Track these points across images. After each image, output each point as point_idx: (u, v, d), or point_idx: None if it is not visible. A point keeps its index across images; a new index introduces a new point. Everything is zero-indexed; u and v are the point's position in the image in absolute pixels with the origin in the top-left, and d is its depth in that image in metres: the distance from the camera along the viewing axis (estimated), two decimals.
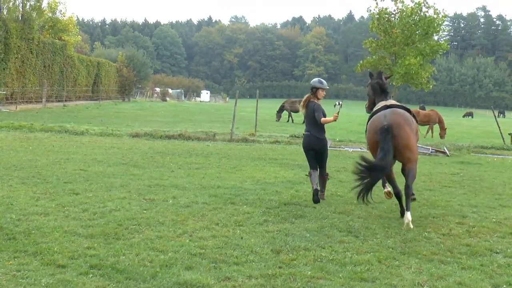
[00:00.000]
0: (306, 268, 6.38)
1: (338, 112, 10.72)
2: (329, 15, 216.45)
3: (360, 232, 8.21)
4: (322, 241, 7.58)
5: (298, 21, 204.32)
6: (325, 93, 10.90)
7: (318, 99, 10.84)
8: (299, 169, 14.87)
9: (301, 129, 24.18)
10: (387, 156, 8.69)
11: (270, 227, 8.24)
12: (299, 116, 36.99)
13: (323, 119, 10.58)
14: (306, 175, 11.86)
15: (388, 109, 9.43)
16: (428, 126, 31.93)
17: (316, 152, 10.74)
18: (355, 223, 8.76)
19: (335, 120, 10.63)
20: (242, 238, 7.53)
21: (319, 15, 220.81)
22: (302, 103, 10.97)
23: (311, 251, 7.07)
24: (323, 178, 10.86)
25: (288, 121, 40.26)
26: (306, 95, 11.00)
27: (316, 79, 11.11)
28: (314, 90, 10.81)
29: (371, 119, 9.74)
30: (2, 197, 9.35)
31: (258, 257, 6.68)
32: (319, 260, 6.73)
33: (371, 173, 8.60)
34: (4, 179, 11.18)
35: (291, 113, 40.56)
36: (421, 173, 14.73)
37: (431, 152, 22.03)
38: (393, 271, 6.46)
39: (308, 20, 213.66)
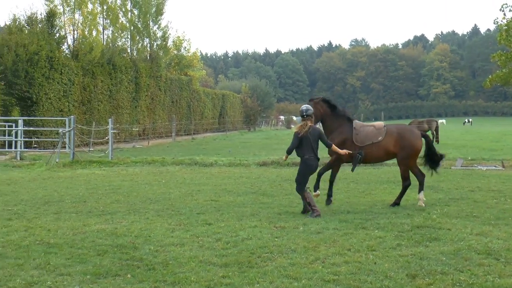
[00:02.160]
0: None
1: None
2: (453, 31, 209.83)
3: (501, 254, 7.85)
4: (460, 264, 7.33)
5: (420, 40, 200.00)
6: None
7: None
8: (430, 191, 14.52)
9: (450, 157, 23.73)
10: None
11: (403, 251, 8.09)
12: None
13: (334, 146, 11.60)
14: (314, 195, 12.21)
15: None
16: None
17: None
18: (495, 245, 8.39)
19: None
20: (375, 263, 7.44)
21: (441, 32, 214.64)
22: (305, 129, 11.31)
23: (449, 275, 6.86)
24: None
25: None
26: (305, 122, 11.43)
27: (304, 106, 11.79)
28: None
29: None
30: (141, 229, 9.82)
31: (393, 282, 6.57)
32: (457, 284, 6.52)
33: None
34: (141, 212, 11.74)
35: None
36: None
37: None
38: None
39: (430, 37, 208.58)
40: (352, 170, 12.64)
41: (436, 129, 35.22)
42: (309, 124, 11.38)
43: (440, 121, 73.06)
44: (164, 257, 7.87)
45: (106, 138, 28.75)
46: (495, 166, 21.66)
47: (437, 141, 33.45)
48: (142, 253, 8.12)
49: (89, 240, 8.95)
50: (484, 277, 6.81)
